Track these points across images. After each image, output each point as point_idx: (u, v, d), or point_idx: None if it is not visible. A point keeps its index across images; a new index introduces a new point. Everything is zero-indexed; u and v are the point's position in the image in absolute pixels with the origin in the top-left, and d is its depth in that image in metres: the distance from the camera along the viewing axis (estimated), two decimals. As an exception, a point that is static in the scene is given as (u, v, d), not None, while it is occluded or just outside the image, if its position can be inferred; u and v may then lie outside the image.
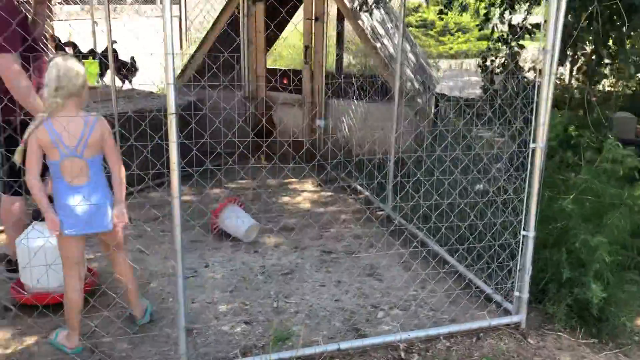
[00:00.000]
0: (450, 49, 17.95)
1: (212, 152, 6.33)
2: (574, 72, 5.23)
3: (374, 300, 3.85)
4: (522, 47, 5.24)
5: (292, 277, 4.14)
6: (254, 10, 6.67)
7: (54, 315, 3.35)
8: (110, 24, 5.12)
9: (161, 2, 2.56)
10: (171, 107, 2.61)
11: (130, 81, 6.71)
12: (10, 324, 3.44)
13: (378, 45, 6.32)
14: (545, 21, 3.09)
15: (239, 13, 6.73)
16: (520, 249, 3.41)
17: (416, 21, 20.09)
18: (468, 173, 4.10)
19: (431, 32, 19.61)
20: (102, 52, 6.37)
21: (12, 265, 3.87)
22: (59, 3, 8.16)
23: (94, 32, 7.19)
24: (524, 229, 3.37)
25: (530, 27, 5.23)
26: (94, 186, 3.01)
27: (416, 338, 3.38)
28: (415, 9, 20.60)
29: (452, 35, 18.84)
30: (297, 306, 3.75)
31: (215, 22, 7.08)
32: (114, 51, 5.59)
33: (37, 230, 3.46)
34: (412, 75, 6.76)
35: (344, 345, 3.24)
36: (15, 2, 3.56)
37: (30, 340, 3.29)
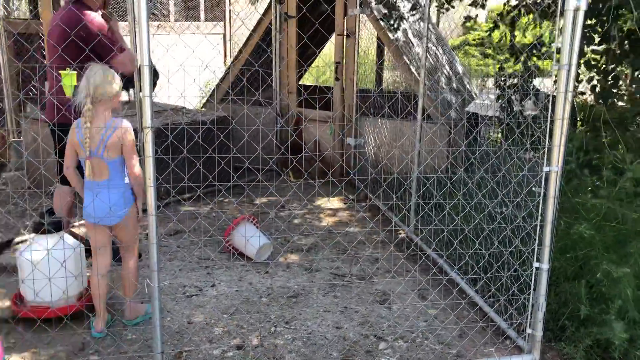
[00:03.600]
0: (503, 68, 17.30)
1: (240, 167, 6.27)
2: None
3: (379, 330, 3.61)
4: (538, 68, 4.77)
5: (297, 300, 3.96)
6: (286, 26, 6.59)
7: (51, 329, 3.31)
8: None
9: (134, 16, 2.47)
10: (147, 121, 2.52)
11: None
12: (5, 337, 3.41)
13: (409, 61, 6.11)
14: (561, 29, 2.82)
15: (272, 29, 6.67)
16: (533, 282, 3.11)
17: (474, 40, 19.63)
18: (492, 197, 3.82)
19: (489, 51, 19.02)
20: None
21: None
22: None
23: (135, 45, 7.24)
24: (537, 260, 3.06)
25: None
26: (111, 184, 3.21)
27: (414, 374, 3.13)
28: (472, 27, 20.15)
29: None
30: (295, 332, 3.57)
31: (249, 38, 7.05)
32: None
33: (39, 242, 3.45)
34: (448, 94, 6.49)
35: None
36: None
37: (19, 355, 3.25)
